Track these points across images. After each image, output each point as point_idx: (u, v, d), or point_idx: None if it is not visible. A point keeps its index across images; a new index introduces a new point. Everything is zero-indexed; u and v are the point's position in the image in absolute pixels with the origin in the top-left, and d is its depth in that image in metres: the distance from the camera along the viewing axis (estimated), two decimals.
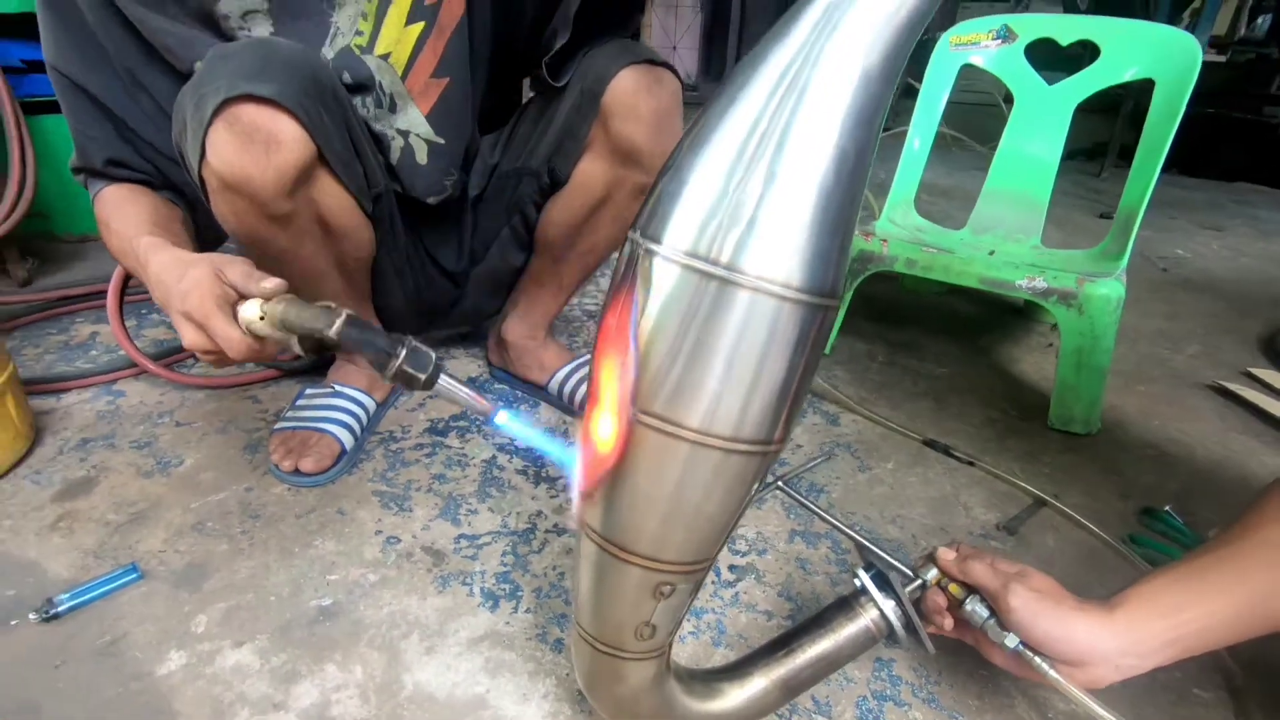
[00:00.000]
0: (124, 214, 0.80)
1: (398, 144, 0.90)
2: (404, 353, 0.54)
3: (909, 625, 0.63)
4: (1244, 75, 3.18)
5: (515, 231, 1.03)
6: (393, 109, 0.89)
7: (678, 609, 0.51)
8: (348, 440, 0.97)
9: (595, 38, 0.89)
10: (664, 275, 0.41)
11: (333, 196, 0.81)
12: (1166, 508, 0.97)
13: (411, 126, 0.90)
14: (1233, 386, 1.31)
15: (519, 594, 0.79)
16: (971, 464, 1.06)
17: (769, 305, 0.40)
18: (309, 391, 1.03)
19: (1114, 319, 1.11)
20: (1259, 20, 4.15)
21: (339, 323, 0.55)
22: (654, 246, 0.41)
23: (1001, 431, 1.15)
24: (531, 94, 1.00)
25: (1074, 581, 0.85)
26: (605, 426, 0.44)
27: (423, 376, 0.54)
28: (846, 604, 0.65)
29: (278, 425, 0.99)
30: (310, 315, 0.57)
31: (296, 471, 0.92)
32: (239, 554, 0.82)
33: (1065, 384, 1.15)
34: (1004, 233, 1.45)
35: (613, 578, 0.49)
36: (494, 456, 1.01)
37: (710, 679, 0.61)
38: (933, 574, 0.65)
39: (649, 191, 0.45)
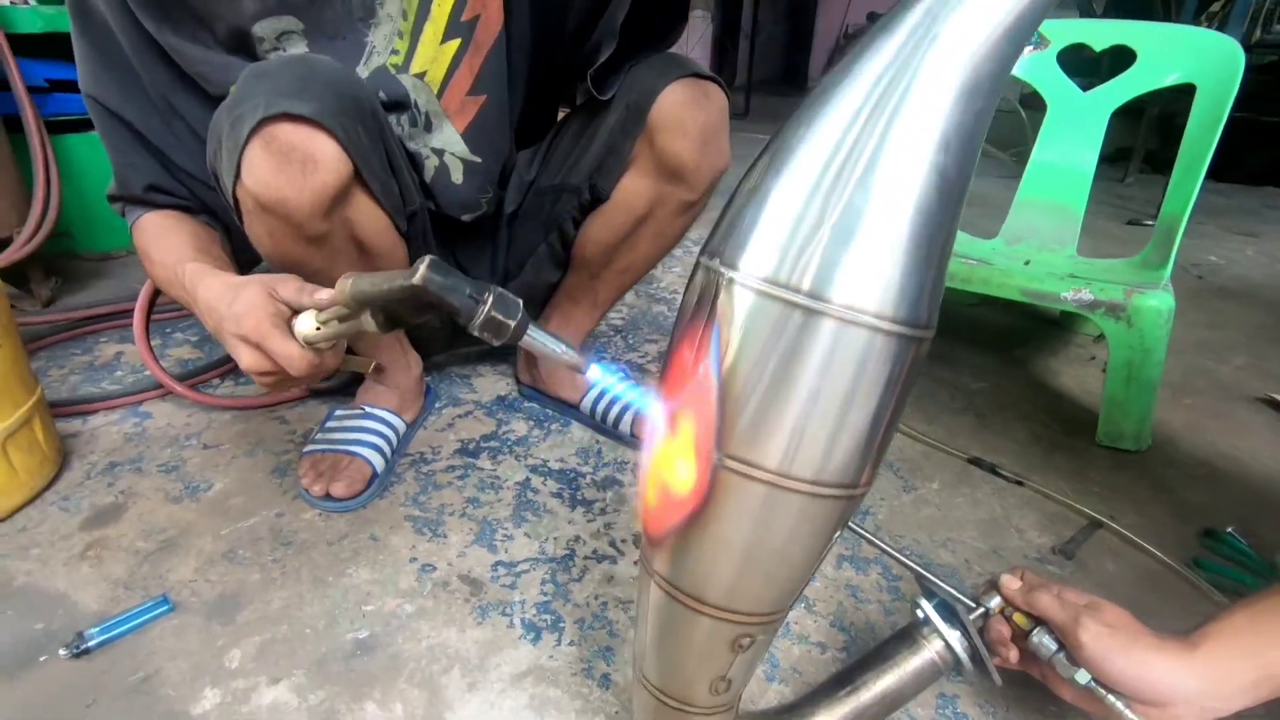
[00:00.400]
0: (165, 243, 0.80)
1: (432, 163, 0.88)
2: (491, 299, 0.47)
3: (975, 656, 0.60)
4: (1269, 78, 3.13)
5: (552, 248, 1.01)
6: (428, 128, 0.87)
7: (754, 661, 0.48)
8: (379, 463, 0.95)
9: (639, 50, 0.87)
10: (744, 304, 0.38)
11: (369, 216, 0.79)
12: (1230, 529, 0.93)
13: (447, 145, 0.88)
14: None
15: (561, 625, 0.76)
16: (1020, 483, 1.02)
17: (860, 337, 0.37)
18: (338, 413, 1.01)
19: (1165, 331, 1.07)
20: (1277, 23, 4.10)
21: (423, 269, 0.47)
22: (731, 273, 0.39)
23: (1047, 448, 1.12)
24: (569, 109, 0.98)
25: (1140, 610, 0.81)
26: (682, 471, 0.41)
27: (512, 323, 0.47)
28: (908, 635, 0.63)
29: (307, 448, 0.96)
30: (386, 278, 0.52)
31: (328, 496, 0.90)
32: (271, 584, 0.79)
33: (1114, 399, 1.11)
34: (1038, 242, 1.42)
35: (686, 629, 0.46)
36: (528, 479, 0.99)
37: None
38: (995, 602, 0.62)
39: (722, 213, 0.42)
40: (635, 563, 0.85)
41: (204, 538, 0.85)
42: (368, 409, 1.00)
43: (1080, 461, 1.09)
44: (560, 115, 1.03)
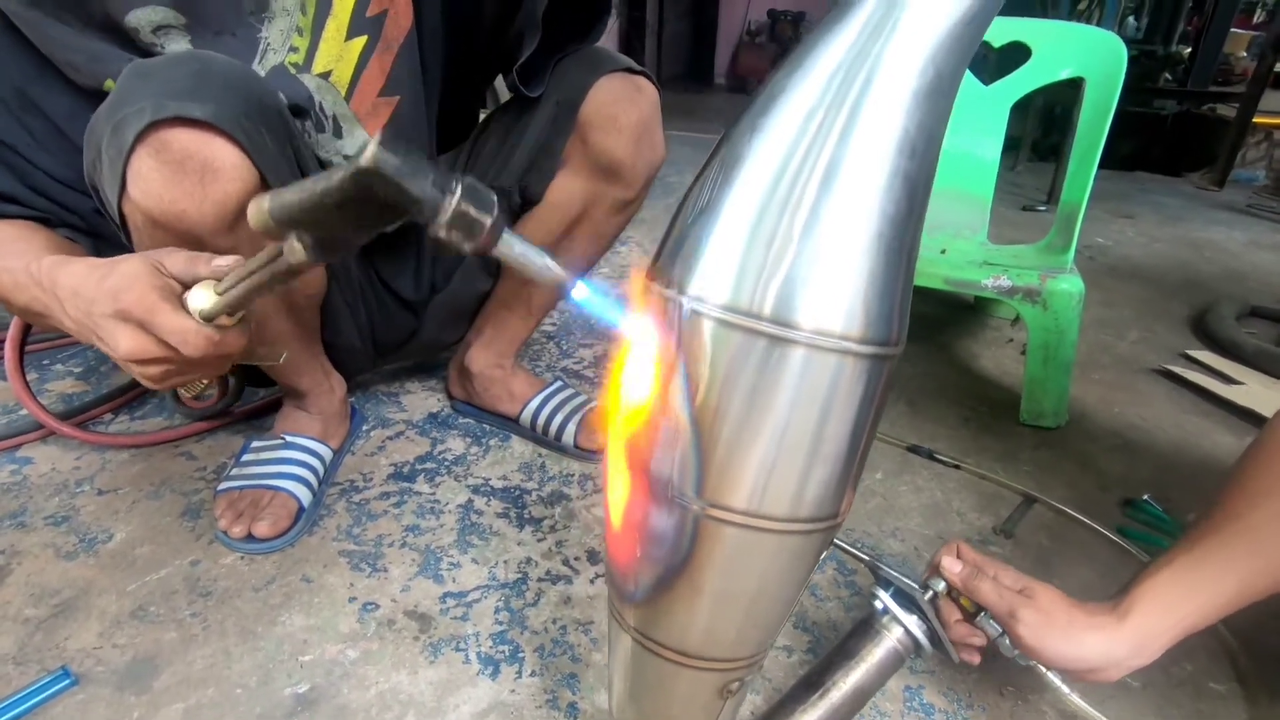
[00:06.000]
0: (12, 249, 0.68)
1: None
2: (460, 189, 0.36)
3: (934, 638, 0.62)
4: (1133, 71, 3.40)
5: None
6: (337, 133, 0.81)
7: (741, 700, 0.46)
8: (305, 496, 0.87)
9: (564, 45, 0.83)
10: (711, 336, 0.36)
11: None
12: (1145, 496, 0.99)
13: (359, 151, 0.82)
14: (1177, 369, 1.37)
15: (520, 656, 0.72)
16: (957, 467, 1.05)
17: (828, 362, 0.35)
18: (255, 444, 0.92)
19: (1077, 313, 1.13)
20: (1129, 20, 4.48)
21: (372, 148, 0.35)
22: (693, 303, 0.36)
23: (977, 431, 1.16)
24: (491, 109, 0.93)
25: (1076, 582, 0.86)
26: (659, 524, 0.39)
27: (487, 220, 0.36)
28: (869, 627, 0.63)
29: (222, 485, 0.88)
30: (317, 178, 0.39)
31: (250, 537, 0.82)
32: (192, 641, 0.71)
33: (1034, 380, 1.16)
34: (953, 230, 1.47)
35: (669, 683, 0.43)
36: (470, 500, 0.94)
37: None
38: (942, 585, 0.64)
39: (667, 232, 0.39)
40: (591, 580, 0.82)
41: (107, 596, 0.76)
42: (288, 438, 0.92)
43: (1008, 441, 1.13)
44: (482, 117, 0.98)
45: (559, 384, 1.08)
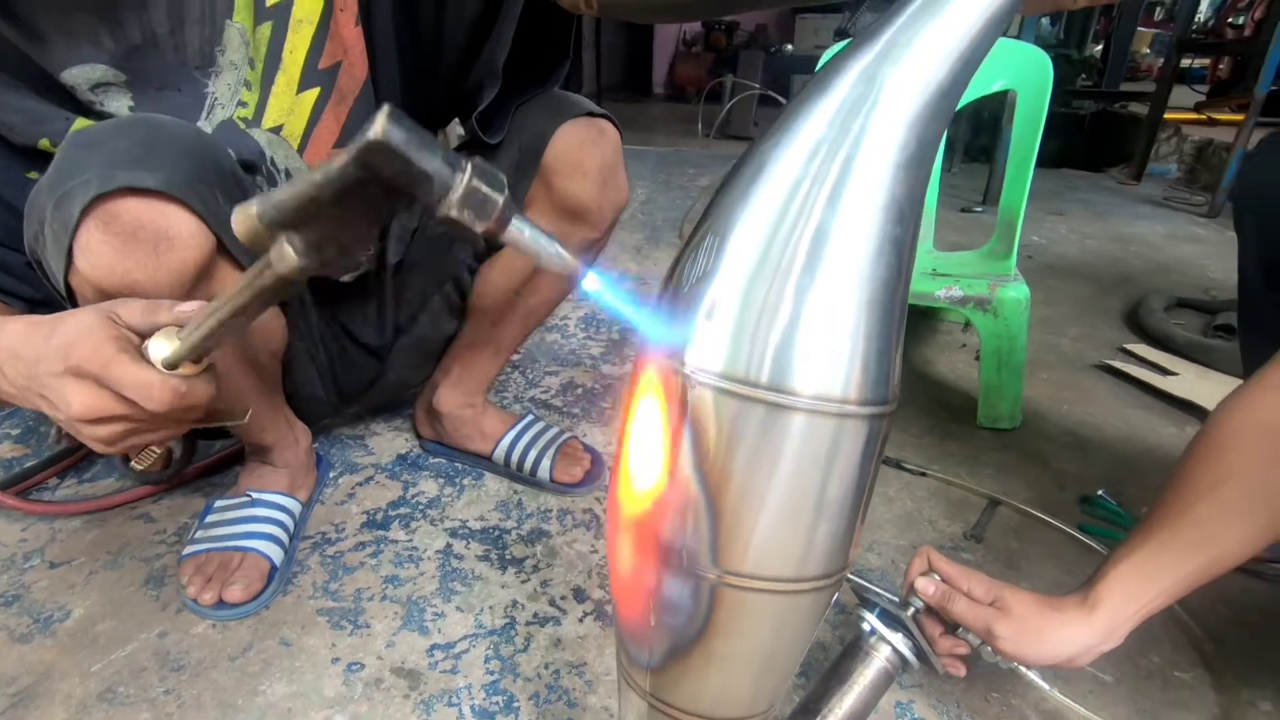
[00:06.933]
0: None
1: None
2: (470, 166, 0.34)
3: (920, 653, 0.64)
4: (1053, 75, 3.58)
5: (447, 299, 0.95)
6: None
7: None
8: (277, 555, 0.85)
9: (524, 90, 0.83)
10: (723, 407, 0.36)
11: None
12: (1100, 492, 1.04)
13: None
14: (1117, 364, 1.44)
15: (515, 705, 0.71)
16: (924, 474, 1.09)
17: (828, 426, 0.36)
18: (219, 504, 0.89)
19: (1025, 319, 1.18)
20: (1043, 21, 4.73)
21: (382, 119, 0.33)
22: (686, 369, 0.36)
23: (940, 437, 1.20)
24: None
25: (1044, 582, 0.90)
26: (674, 595, 0.39)
27: (499, 198, 0.35)
28: (858, 649, 0.65)
29: (187, 550, 0.84)
30: (315, 171, 0.37)
31: (221, 603, 0.79)
32: None
33: (990, 385, 1.21)
34: None
35: None
36: (448, 545, 0.92)
37: None
38: (921, 603, 0.66)
39: (659, 299, 0.40)
40: (580, 620, 0.82)
41: (70, 680, 0.72)
42: (255, 495, 0.89)
43: (969, 445, 1.17)
44: None
45: (531, 418, 1.07)
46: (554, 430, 1.06)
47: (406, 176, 0.34)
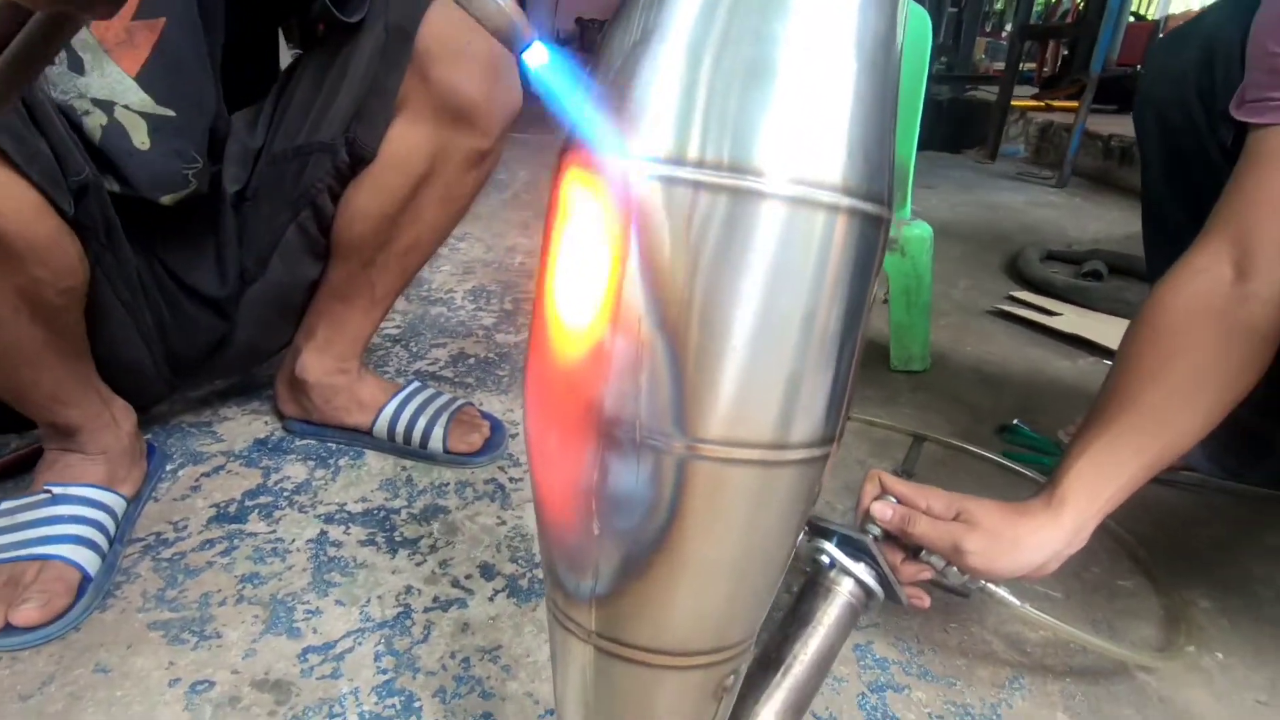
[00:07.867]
0: None
1: (96, 120, 0.62)
2: None
3: (886, 583, 0.57)
4: None
5: (305, 232, 0.78)
6: (76, 68, 0.61)
7: (735, 696, 0.37)
8: (90, 562, 0.66)
9: None
10: (657, 203, 0.26)
11: (5, 191, 0.52)
12: (1015, 421, 1.04)
13: (115, 95, 0.63)
14: (1007, 308, 1.49)
15: (416, 706, 0.58)
16: (848, 418, 1.04)
17: (817, 221, 0.27)
18: (6, 505, 0.69)
19: (930, 257, 1.17)
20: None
21: None
22: (631, 162, 0.26)
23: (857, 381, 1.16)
24: (296, 54, 0.76)
25: None
26: (628, 481, 0.28)
27: None
28: (817, 586, 0.58)
29: None
30: None
31: (9, 629, 0.60)
32: None
33: (900, 326, 1.19)
34: None
35: (655, 694, 0.34)
36: (323, 532, 0.77)
37: None
38: (878, 529, 0.61)
39: (606, 87, 0.30)
40: (490, 598, 0.69)
41: None
42: (56, 490, 0.70)
43: (885, 388, 1.15)
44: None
45: (416, 384, 0.92)
46: (445, 397, 0.92)
47: None
